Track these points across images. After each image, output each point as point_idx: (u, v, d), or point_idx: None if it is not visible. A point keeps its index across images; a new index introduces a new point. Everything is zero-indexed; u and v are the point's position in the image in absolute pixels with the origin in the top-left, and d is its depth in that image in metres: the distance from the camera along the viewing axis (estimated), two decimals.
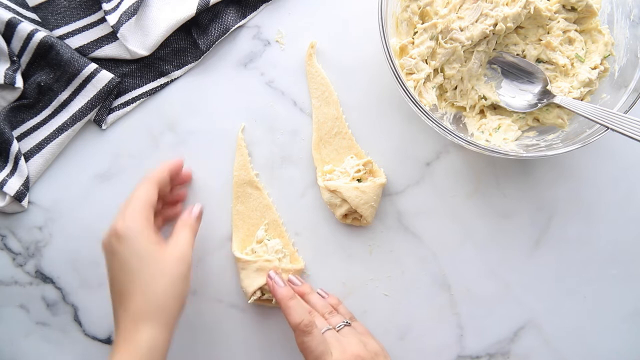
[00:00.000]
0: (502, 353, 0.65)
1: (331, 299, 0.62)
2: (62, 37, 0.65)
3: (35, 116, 0.65)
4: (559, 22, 0.62)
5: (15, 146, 0.63)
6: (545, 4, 0.61)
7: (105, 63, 0.66)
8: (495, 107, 0.65)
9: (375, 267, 0.65)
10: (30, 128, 0.65)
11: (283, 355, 0.65)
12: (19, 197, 0.64)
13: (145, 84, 0.66)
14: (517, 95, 0.63)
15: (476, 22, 0.60)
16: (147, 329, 0.49)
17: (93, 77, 0.64)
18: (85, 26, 0.66)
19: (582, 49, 0.62)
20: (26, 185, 0.64)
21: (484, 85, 0.64)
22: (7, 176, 0.63)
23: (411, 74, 0.61)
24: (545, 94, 0.62)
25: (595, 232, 0.66)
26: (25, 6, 0.65)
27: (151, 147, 0.66)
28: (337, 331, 0.56)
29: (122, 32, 0.63)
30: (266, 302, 0.63)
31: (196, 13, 0.64)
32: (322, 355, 0.53)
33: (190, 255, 0.54)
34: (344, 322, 0.58)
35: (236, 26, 0.66)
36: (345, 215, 0.64)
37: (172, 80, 0.67)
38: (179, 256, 0.53)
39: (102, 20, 0.66)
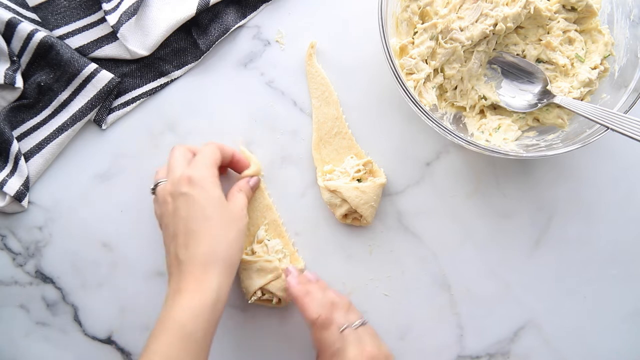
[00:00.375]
0: (502, 353, 0.65)
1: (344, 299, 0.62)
2: (62, 37, 0.65)
3: (35, 116, 0.65)
4: (559, 22, 0.62)
5: (15, 146, 0.63)
6: (545, 4, 0.61)
7: (105, 63, 0.66)
8: (495, 107, 0.65)
9: (375, 267, 0.65)
10: (30, 128, 0.65)
11: (283, 355, 0.65)
12: (19, 197, 0.64)
13: (145, 84, 0.66)
14: (517, 95, 0.63)
15: (476, 22, 0.60)
16: (216, 273, 0.50)
17: (93, 77, 0.64)
18: (85, 26, 0.66)
19: (582, 49, 0.62)
20: (26, 185, 0.64)
21: (484, 85, 0.64)
22: (7, 176, 0.63)
23: (411, 74, 0.61)
24: (545, 94, 0.62)
25: (595, 232, 0.66)
26: (25, 6, 0.65)
27: (151, 147, 0.66)
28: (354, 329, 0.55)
29: (122, 32, 0.63)
30: (266, 302, 0.63)
31: (196, 13, 0.64)
32: (339, 352, 0.52)
33: (247, 218, 0.57)
34: (360, 320, 0.57)
35: (236, 26, 0.66)
36: (345, 215, 0.64)
37: (172, 80, 0.67)
38: (241, 211, 0.56)
39: (102, 20, 0.66)
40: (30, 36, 0.63)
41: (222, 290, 0.51)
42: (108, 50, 0.66)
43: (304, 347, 0.65)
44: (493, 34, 0.61)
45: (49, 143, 0.65)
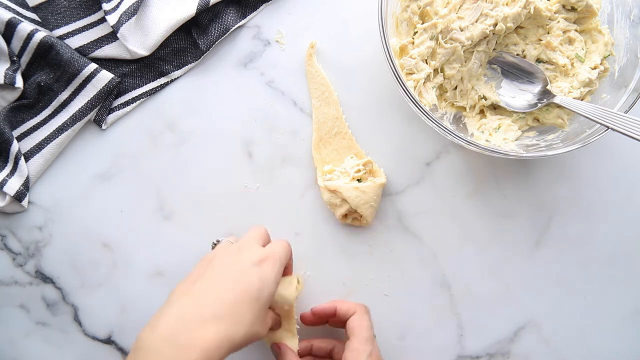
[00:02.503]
0: (502, 353, 0.65)
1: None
2: (62, 37, 0.65)
3: (35, 116, 0.65)
4: (559, 22, 0.62)
5: (15, 146, 0.63)
6: (545, 4, 0.61)
7: (105, 63, 0.66)
8: (495, 107, 0.65)
9: (375, 267, 0.65)
10: (30, 128, 0.65)
11: None
12: (19, 197, 0.63)
13: (145, 84, 0.66)
14: (517, 95, 0.63)
15: (476, 22, 0.60)
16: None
17: (93, 77, 0.64)
18: (85, 26, 0.66)
19: (582, 49, 0.62)
20: (26, 185, 0.64)
21: (484, 85, 0.64)
22: (7, 176, 0.63)
23: (411, 74, 0.61)
24: (545, 94, 0.62)
25: (595, 232, 0.66)
26: (25, 6, 0.65)
27: (151, 147, 0.66)
28: None
29: (122, 32, 0.63)
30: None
31: (196, 13, 0.64)
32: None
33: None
34: None
35: (236, 26, 0.66)
36: (345, 215, 0.64)
37: (172, 80, 0.67)
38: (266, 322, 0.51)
39: (102, 20, 0.66)
40: (30, 36, 0.63)
41: None
42: (108, 50, 0.66)
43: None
44: (493, 34, 0.61)
45: (49, 143, 0.65)
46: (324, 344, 0.60)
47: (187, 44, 0.66)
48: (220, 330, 0.45)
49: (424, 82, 0.62)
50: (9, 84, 0.63)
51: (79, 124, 0.65)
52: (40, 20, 0.66)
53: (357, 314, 0.57)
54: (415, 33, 0.62)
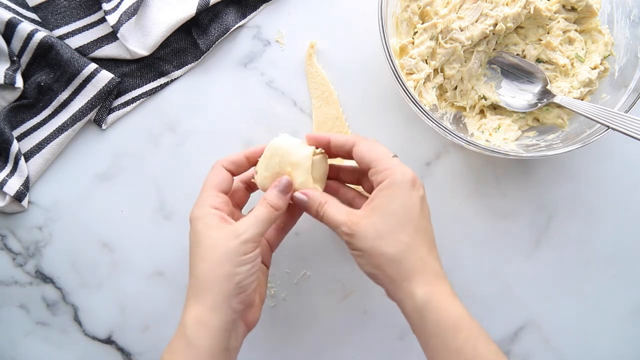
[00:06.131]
0: None
1: None
2: (62, 37, 0.65)
3: (35, 116, 0.65)
4: (559, 22, 0.62)
5: (15, 146, 0.63)
6: (545, 4, 0.61)
7: (105, 63, 0.66)
8: (495, 107, 0.65)
9: None
10: (30, 128, 0.65)
11: (284, 355, 0.65)
12: (19, 197, 0.63)
13: (145, 84, 0.66)
14: (517, 95, 0.63)
15: (476, 22, 0.60)
16: (192, 309, 0.47)
17: (93, 77, 0.64)
18: (85, 26, 0.66)
19: (582, 49, 0.62)
20: (26, 185, 0.64)
21: (484, 85, 0.64)
22: (7, 176, 0.63)
23: (411, 74, 0.61)
24: (545, 93, 0.62)
25: (595, 232, 0.66)
26: (25, 6, 0.65)
27: (151, 147, 0.66)
28: None
29: (122, 32, 0.63)
30: None
31: (196, 13, 0.64)
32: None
33: (250, 234, 0.48)
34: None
35: (236, 26, 0.66)
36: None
37: (172, 80, 0.67)
38: (229, 233, 0.48)
39: (102, 20, 0.66)
40: (30, 36, 0.63)
41: (203, 321, 0.47)
42: (108, 50, 0.66)
43: (304, 346, 0.65)
44: (493, 34, 0.61)
45: (49, 143, 0.65)
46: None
47: (187, 44, 0.66)
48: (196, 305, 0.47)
49: (424, 82, 0.62)
50: (9, 84, 0.63)
51: (79, 124, 0.65)
52: (40, 20, 0.65)
53: (361, 141, 0.51)
54: (415, 33, 0.62)
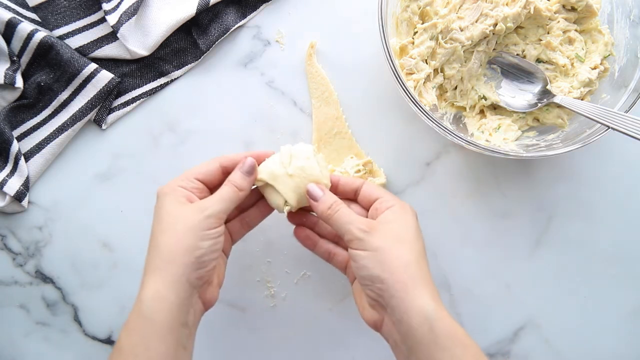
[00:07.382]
0: (502, 353, 0.65)
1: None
2: (62, 37, 0.65)
3: (35, 116, 0.65)
4: (559, 22, 0.62)
5: (15, 146, 0.63)
6: (545, 4, 0.61)
7: (105, 63, 0.66)
8: (495, 107, 0.65)
9: None
10: (30, 128, 0.65)
11: (284, 355, 0.65)
12: (19, 197, 0.64)
13: (145, 84, 0.66)
14: (517, 95, 0.63)
15: (476, 22, 0.60)
16: (150, 283, 0.47)
17: (93, 77, 0.64)
18: (85, 26, 0.66)
19: (582, 49, 0.62)
20: (26, 185, 0.64)
21: (484, 85, 0.64)
22: (7, 176, 0.63)
23: (411, 74, 0.61)
24: (545, 93, 0.62)
25: (595, 232, 0.66)
26: (25, 6, 0.65)
27: (151, 147, 0.66)
28: None
29: (122, 32, 0.63)
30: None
31: (196, 13, 0.64)
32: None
33: (214, 209, 0.49)
34: None
35: (236, 26, 0.66)
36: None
37: (172, 80, 0.67)
38: (195, 209, 0.49)
39: (102, 20, 0.66)
40: (30, 36, 0.63)
41: (161, 296, 0.47)
42: (108, 50, 0.66)
43: (304, 346, 0.65)
44: (493, 34, 0.61)
45: (49, 143, 0.65)
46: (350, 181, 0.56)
47: (187, 44, 0.66)
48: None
49: (424, 82, 0.62)
50: (9, 84, 0.63)
51: (79, 124, 0.65)
52: (40, 20, 0.66)
53: (394, 206, 0.51)
54: (415, 33, 0.62)
